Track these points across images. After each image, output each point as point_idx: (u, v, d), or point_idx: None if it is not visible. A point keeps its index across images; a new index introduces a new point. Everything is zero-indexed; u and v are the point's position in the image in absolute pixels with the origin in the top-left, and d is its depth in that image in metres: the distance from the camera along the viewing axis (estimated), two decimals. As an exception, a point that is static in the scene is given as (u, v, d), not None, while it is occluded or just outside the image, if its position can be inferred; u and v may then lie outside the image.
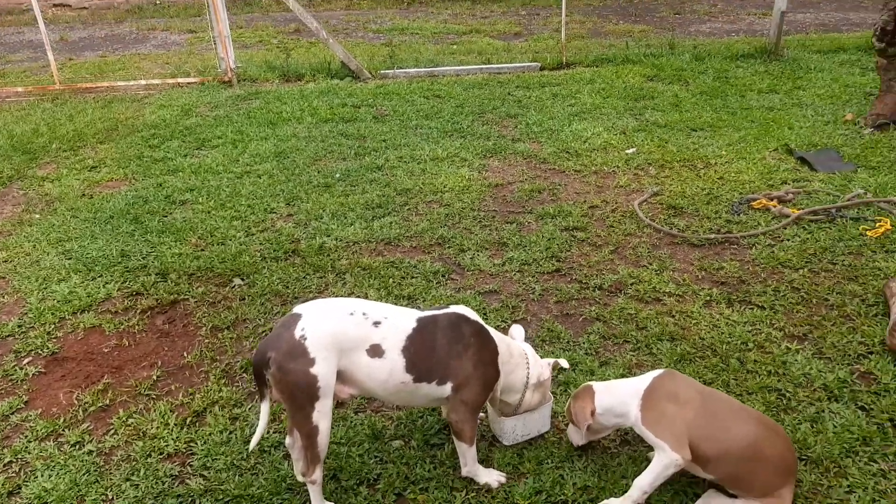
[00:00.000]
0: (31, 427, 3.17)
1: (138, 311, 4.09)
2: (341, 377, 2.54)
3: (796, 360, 3.37)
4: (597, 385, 2.74)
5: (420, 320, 2.61)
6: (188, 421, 3.18)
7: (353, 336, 2.50)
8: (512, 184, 5.68)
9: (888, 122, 6.44)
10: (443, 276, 4.33)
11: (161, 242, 4.87)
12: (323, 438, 2.47)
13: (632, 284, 4.12)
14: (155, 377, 3.53)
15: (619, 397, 2.66)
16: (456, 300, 4.02)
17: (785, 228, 4.64)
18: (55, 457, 2.99)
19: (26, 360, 3.67)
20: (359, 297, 4.12)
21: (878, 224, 4.57)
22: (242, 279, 4.40)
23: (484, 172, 5.93)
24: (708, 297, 3.95)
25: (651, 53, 9.74)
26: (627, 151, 6.20)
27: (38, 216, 5.50)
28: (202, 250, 4.76)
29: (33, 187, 6.11)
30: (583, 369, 3.39)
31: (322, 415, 2.47)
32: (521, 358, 2.82)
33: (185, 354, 3.70)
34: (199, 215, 5.30)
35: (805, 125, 6.65)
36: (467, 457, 2.71)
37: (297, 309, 2.53)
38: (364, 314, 2.55)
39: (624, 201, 5.25)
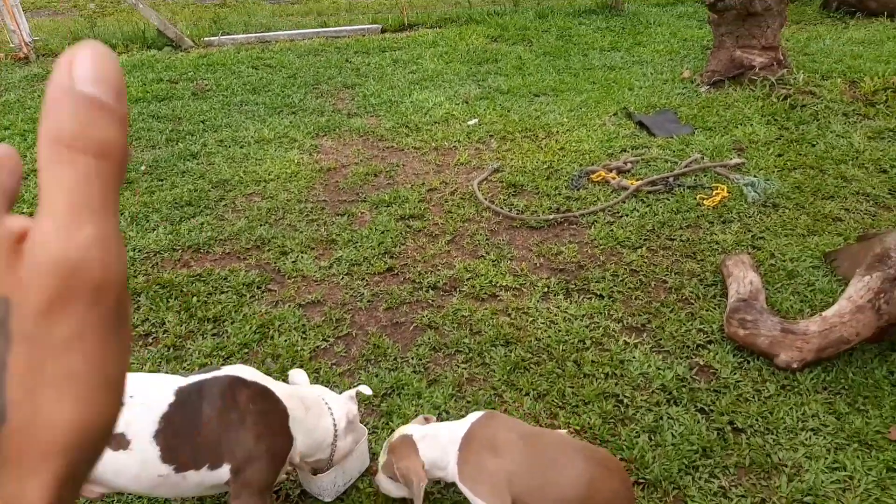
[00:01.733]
0: None
1: None
2: None
3: (634, 357, 3.16)
4: (415, 433, 2.35)
5: (180, 392, 2.08)
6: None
7: None
8: (346, 167, 5.16)
9: (722, 78, 6.47)
10: (258, 287, 3.79)
11: None
12: None
13: (468, 280, 3.77)
14: None
15: (442, 446, 2.29)
16: (271, 317, 3.50)
17: (624, 202, 4.46)
18: None
19: None
20: (154, 323, 3.51)
21: (714, 192, 4.49)
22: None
23: (315, 155, 5.36)
24: (546, 289, 3.68)
25: (495, 12, 9.40)
26: (469, 123, 5.83)
27: None
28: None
29: None
30: (409, 392, 3.00)
31: None
32: (319, 406, 2.37)
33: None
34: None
35: (645, 85, 6.56)
36: None
37: None
38: None
39: (464, 181, 4.88)
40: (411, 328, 3.45)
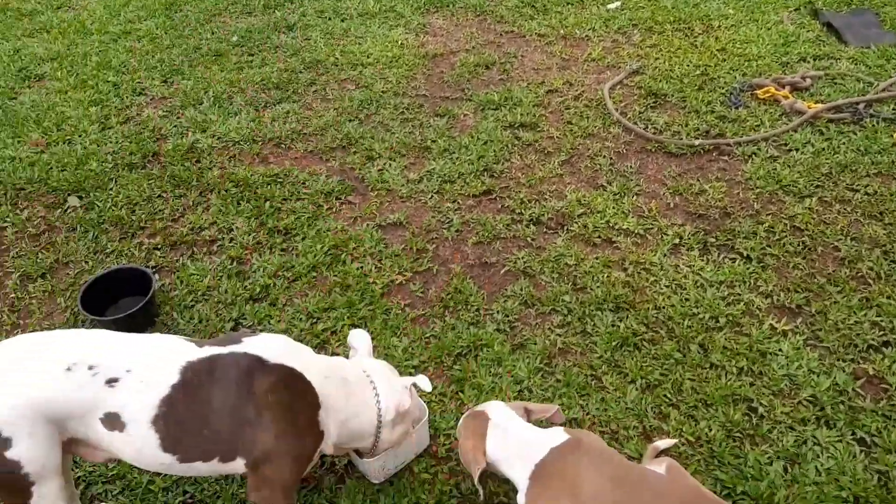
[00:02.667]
0: None
1: (-66, 248, 3.14)
2: (83, 443, 1.69)
3: (781, 351, 2.46)
4: (495, 414, 1.88)
5: (186, 370, 1.67)
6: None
7: (74, 404, 1.62)
8: (454, 54, 4.43)
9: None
10: (337, 198, 3.31)
11: (-9, 139, 3.80)
12: None
13: (579, 216, 3.11)
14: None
15: (511, 453, 1.80)
16: (346, 236, 3.04)
17: (795, 131, 3.51)
18: None
19: None
20: (222, 228, 3.15)
21: (919, 127, 3.45)
22: (80, 198, 3.39)
23: (421, 36, 4.64)
24: (677, 240, 2.96)
25: None
26: (609, 7, 4.83)
27: None
28: (42, 152, 3.70)
29: None
30: (488, 357, 2.50)
31: (48, 502, 1.65)
32: (364, 392, 1.91)
33: (-22, 317, 2.82)
34: (51, 98, 4.16)
35: (842, -32, 5.17)
36: None
37: None
38: (91, 368, 1.63)
39: (594, 82, 4.05)
40: (502, 272, 2.88)
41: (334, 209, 3.25)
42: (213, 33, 4.75)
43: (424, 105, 3.94)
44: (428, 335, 2.63)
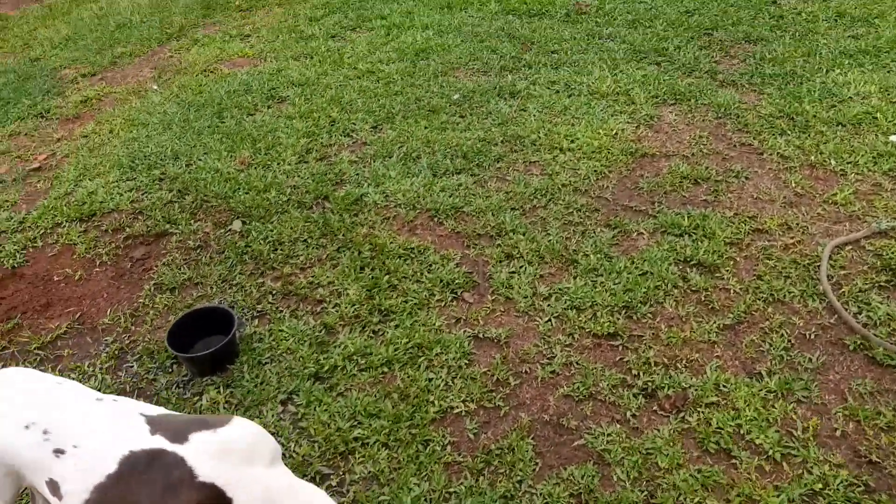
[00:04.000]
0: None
1: (123, 237, 3.63)
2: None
3: None
4: None
5: (125, 461, 1.63)
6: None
7: (26, 460, 1.70)
8: (668, 157, 3.87)
9: None
10: (453, 291, 3.08)
11: (214, 150, 4.30)
12: None
13: (707, 406, 2.45)
14: (60, 332, 3.07)
15: None
16: (435, 338, 2.80)
17: None
18: None
19: (-13, 268, 3.49)
20: (335, 290, 3.12)
21: None
22: (243, 223, 3.65)
23: (642, 129, 4.15)
24: (820, 485, 2.16)
25: None
26: (892, 138, 3.82)
27: (155, 87, 5.30)
28: (241, 171, 4.08)
29: (178, 51, 5.94)
30: (495, 552, 2.07)
31: None
32: None
33: (110, 311, 3.17)
34: (278, 121, 4.58)
35: None
36: None
37: None
38: (45, 432, 1.68)
39: (820, 233, 3.21)
40: (573, 444, 2.39)
41: (444, 303, 3.02)
42: (440, 87, 4.82)
43: (599, 210, 3.50)
44: (451, 489, 2.27)
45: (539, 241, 3.31)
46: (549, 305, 2.95)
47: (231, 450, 1.70)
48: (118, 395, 2.37)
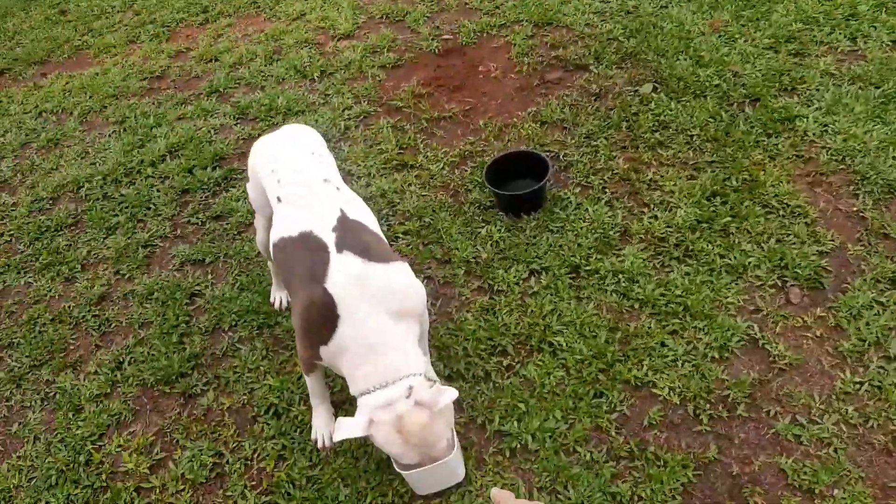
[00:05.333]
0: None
1: (552, 56, 3.67)
2: None
3: None
4: None
5: (306, 233, 2.02)
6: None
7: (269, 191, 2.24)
8: None
9: None
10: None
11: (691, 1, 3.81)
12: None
13: None
14: (448, 114, 3.42)
15: None
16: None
17: None
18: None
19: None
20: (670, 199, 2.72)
21: None
22: (655, 88, 3.29)
23: None
24: None
25: None
26: None
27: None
28: (710, 34, 3.57)
29: None
30: None
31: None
32: None
33: (491, 115, 3.36)
34: (793, -9, 3.74)
35: None
36: None
37: None
38: (278, 181, 2.18)
39: None
40: None
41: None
42: None
43: None
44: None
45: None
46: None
47: (363, 286, 1.81)
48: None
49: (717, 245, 2.51)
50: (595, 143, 3.08)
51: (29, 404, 2.51)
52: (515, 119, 3.32)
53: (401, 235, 2.82)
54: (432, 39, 3.94)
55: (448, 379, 2.27)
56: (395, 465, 1.91)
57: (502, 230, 2.76)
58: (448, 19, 4.10)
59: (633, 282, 2.45)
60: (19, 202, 3.47)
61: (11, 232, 3.31)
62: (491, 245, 2.70)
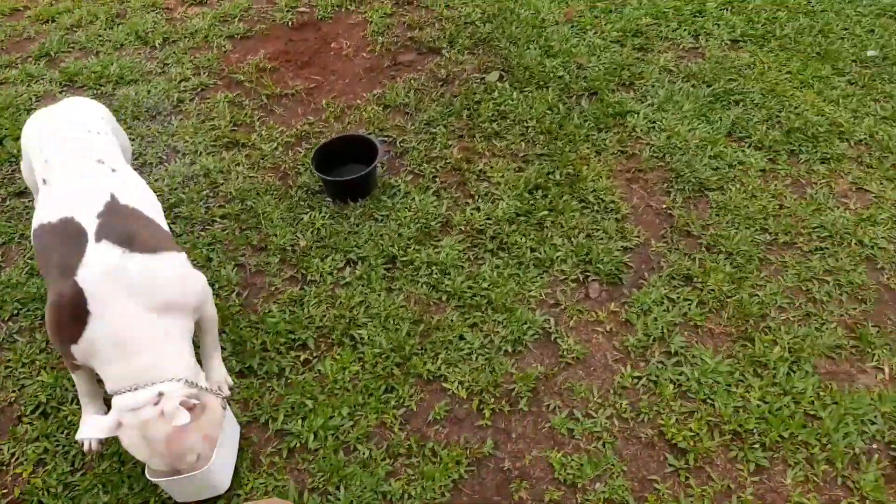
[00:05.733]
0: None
1: (407, 38, 3.58)
2: None
3: None
4: None
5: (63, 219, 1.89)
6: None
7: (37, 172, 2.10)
8: None
9: None
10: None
11: (557, -12, 3.79)
12: None
13: None
14: (292, 91, 3.29)
15: None
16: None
17: None
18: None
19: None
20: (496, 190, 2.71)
21: None
22: (502, 77, 3.27)
23: None
24: None
25: None
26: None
27: None
28: (562, 23, 3.56)
29: None
30: None
31: None
32: None
33: (331, 97, 3.26)
34: (649, -15, 3.78)
35: None
36: None
37: None
38: (45, 161, 2.01)
39: None
40: None
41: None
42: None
43: None
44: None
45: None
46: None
47: (120, 279, 1.71)
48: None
49: (530, 238, 2.51)
50: (434, 130, 3.03)
51: None
52: (359, 101, 3.22)
53: (218, 219, 2.69)
54: (287, 11, 3.78)
55: (240, 375, 2.19)
56: (147, 471, 1.82)
57: (326, 217, 2.67)
58: (308, -9, 3.95)
59: (445, 274, 2.43)
60: None
61: None
62: (312, 233, 2.62)
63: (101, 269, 1.72)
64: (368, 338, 2.25)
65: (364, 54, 3.50)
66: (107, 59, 3.49)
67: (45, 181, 1.94)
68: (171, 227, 2.58)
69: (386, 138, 2.99)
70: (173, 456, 1.69)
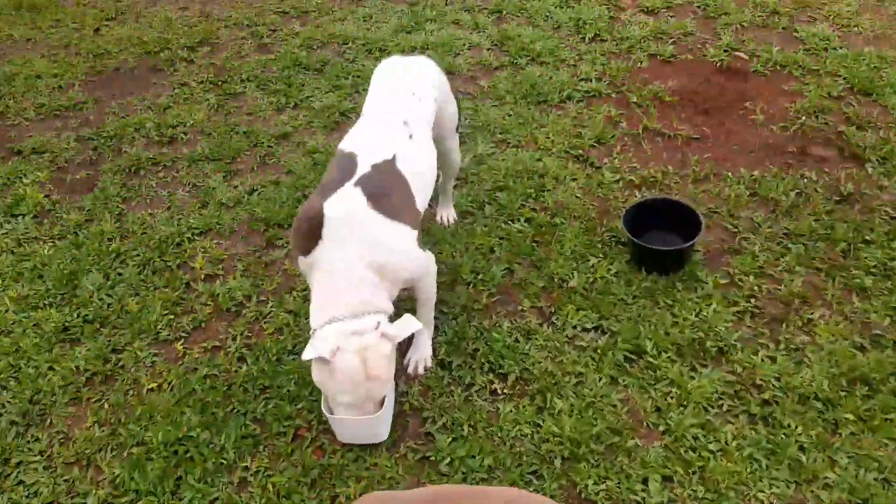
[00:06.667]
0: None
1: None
2: None
3: None
4: None
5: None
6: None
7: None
8: None
9: None
10: None
11: None
12: None
13: None
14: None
15: None
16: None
17: None
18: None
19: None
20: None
21: None
22: None
23: None
24: None
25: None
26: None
27: None
28: None
29: None
30: None
31: None
32: None
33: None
34: None
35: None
36: None
37: None
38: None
39: None
40: None
41: None
42: None
43: None
44: None
45: None
46: None
47: (354, 226, 1.91)
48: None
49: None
50: (789, 246, 2.54)
51: None
52: (730, 174, 2.85)
53: (521, 220, 2.70)
54: (724, 50, 3.47)
55: (440, 366, 2.24)
56: (322, 408, 1.98)
57: (611, 273, 2.50)
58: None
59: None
60: None
61: None
62: (587, 276, 2.48)
63: (345, 208, 1.89)
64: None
65: (774, 127, 3.06)
66: (538, 34, 3.68)
67: (362, 114, 2.20)
68: (485, 207, 2.71)
69: (727, 227, 2.62)
70: (377, 383, 1.82)
